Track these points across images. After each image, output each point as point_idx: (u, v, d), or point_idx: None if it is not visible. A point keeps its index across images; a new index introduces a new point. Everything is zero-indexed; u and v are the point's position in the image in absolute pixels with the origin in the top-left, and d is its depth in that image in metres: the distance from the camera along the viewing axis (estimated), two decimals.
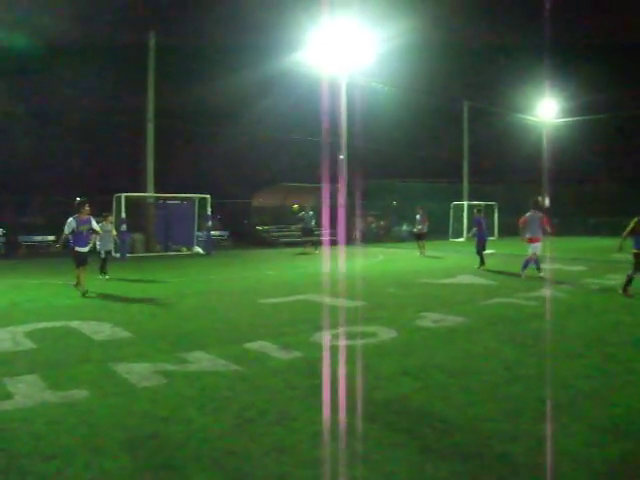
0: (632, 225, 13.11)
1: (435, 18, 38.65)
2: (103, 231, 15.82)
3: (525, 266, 16.75)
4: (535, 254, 16.62)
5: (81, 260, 13.84)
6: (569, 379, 6.89)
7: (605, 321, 10.63)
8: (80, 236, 13.79)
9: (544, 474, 4.46)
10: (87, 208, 13.95)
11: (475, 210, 21.63)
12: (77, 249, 13.83)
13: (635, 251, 13.10)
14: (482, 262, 19.36)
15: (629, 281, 13.39)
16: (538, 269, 16.63)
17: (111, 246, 17.40)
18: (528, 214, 16.86)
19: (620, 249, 13.41)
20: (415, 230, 26.51)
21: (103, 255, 16.73)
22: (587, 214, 51.13)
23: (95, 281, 15.56)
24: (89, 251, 14.31)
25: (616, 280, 16.53)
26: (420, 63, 40.43)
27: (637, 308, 12.13)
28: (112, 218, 18.81)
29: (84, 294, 13.51)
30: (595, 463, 4.70)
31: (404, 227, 40.21)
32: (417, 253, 25.56)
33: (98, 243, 16.41)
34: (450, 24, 42.19)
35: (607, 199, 49.76)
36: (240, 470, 4.52)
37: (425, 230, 25.92)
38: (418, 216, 26.10)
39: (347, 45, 29.99)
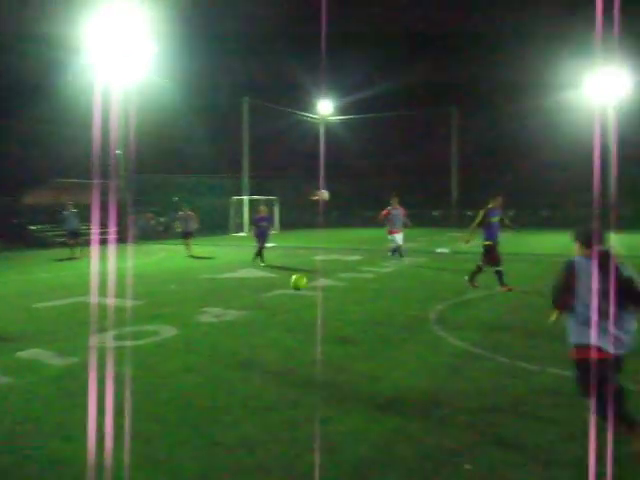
0: (480, 217, 13.14)
1: (216, 12, 38.66)
2: None
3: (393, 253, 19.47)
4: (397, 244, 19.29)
5: None
6: (348, 363, 7.31)
7: (379, 307, 11.37)
8: None
9: (331, 455, 4.71)
10: None
11: (261, 207, 21.37)
12: None
13: (486, 243, 13.14)
14: (261, 258, 19.46)
15: (477, 271, 13.38)
16: (400, 256, 19.34)
17: None
18: (390, 209, 19.18)
19: (468, 241, 13.49)
20: (179, 229, 24.15)
21: None
22: (364, 207, 54.27)
23: None
24: None
25: (390, 267, 17.76)
26: (201, 58, 40.30)
27: (408, 293, 13.06)
28: None
29: None
30: (373, 436, 5.09)
31: (195, 224, 39.81)
32: (187, 252, 23.09)
33: None
34: (231, 18, 42.34)
35: (381, 193, 53.00)
36: None
37: (191, 229, 23.70)
38: (181, 213, 24.17)
39: (126, 38, 28.93)
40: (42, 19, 33.45)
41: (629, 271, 4.85)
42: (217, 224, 40.81)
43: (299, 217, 45.30)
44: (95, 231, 27.23)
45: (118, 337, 8.65)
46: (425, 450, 4.82)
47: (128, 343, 8.26)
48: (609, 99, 36.09)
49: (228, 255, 23.78)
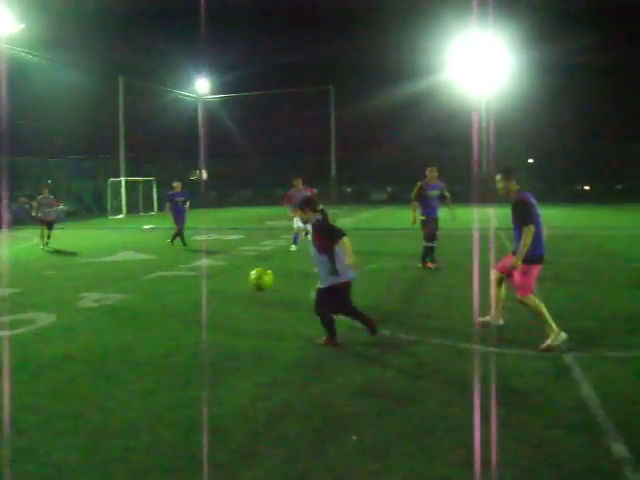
0: (415, 190, 12.73)
1: None
2: None
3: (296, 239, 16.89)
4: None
5: None
6: (232, 342, 7.32)
7: None
8: None
9: (218, 434, 4.70)
10: None
11: (176, 183, 19.73)
12: None
13: (421, 218, 12.72)
14: (180, 239, 18.39)
15: (428, 251, 12.81)
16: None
17: None
18: (293, 191, 16.80)
19: (414, 222, 12.91)
20: (35, 214, 19.76)
21: None
22: (242, 186, 54.25)
23: None
24: None
25: (270, 246, 17.85)
26: (75, 33, 38.70)
27: (290, 270, 13.15)
28: None
29: None
30: (259, 414, 5.14)
31: (60, 207, 38.41)
32: (42, 242, 19.19)
33: None
34: None
35: (259, 172, 53.18)
36: None
37: (53, 216, 19.84)
38: (41, 197, 19.87)
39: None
40: None
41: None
42: (95, 207, 39.66)
43: None
44: None
45: None
46: (311, 424, 4.92)
47: (3, 333, 7.90)
48: (486, 78, 37.48)
49: (107, 238, 23.15)
